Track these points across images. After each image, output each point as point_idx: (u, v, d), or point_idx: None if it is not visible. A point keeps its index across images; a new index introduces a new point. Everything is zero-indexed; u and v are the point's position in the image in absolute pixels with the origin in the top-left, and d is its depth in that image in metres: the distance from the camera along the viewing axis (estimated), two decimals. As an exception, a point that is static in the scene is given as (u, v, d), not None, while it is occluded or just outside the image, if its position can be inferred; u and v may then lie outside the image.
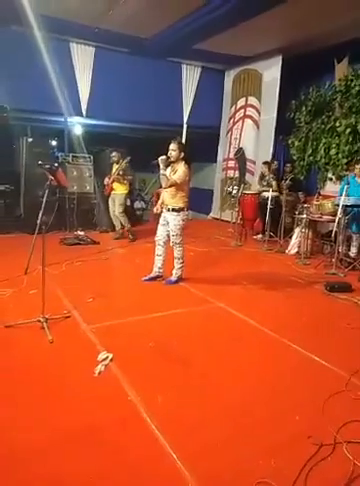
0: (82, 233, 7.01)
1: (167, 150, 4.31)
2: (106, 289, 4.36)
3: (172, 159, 4.29)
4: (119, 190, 6.91)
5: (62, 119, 8.01)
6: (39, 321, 3.23)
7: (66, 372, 2.66)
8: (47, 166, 3.33)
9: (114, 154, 6.92)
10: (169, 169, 4.33)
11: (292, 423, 2.22)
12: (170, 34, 7.12)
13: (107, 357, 2.78)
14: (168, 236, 4.53)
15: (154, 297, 4.24)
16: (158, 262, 4.65)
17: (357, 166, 5.80)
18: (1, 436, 2.01)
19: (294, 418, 2.25)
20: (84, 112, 8.03)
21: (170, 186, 4.30)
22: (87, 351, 2.92)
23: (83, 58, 7.91)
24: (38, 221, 3.39)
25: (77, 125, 8.19)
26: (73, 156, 7.69)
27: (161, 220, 4.56)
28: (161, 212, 4.59)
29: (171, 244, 4.53)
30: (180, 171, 4.30)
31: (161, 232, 4.56)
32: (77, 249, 6.18)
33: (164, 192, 4.50)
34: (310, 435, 2.07)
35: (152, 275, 4.69)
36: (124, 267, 5.46)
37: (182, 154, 4.34)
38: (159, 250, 4.62)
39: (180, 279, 4.65)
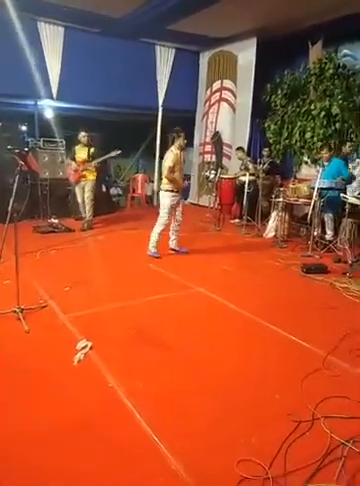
0: (56, 221, 6.84)
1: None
2: (83, 277, 4.27)
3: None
4: (90, 177, 6.57)
5: (32, 102, 7.72)
6: (14, 312, 3.14)
7: (45, 362, 2.61)
8: (17, 151, 3.18)
9: (84, 134, 6.51)
10: (183, 158, 5.15)
11: (272, 402, 2.26)
12: (143, 14, 6.91)
13: (86, 345, 2.74)
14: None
15: (133, 284, 4.20)
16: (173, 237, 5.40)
17: (322, 151, 5.91)
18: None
19: (274, 397, 2.30)
20: (55, 95, 7.75)
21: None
22: (66, 340, 2.86)
23: (52, 38, 7.59)
24: (9, 209, 3.26)
25: (48, 108, 7.90)
26: (44, 141, 7.42)
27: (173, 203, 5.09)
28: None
29: (181, 220, 5.29)
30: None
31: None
32: (52, 237, 6.03)
33: (180, 176, 5.14)
34: (290, 412, 2.12)
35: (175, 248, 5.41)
36: (102, 254, 5.37)
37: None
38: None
39: (153, 255, 5.14)
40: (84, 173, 6.54)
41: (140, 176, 9.41)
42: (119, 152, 6.51)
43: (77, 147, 6.57)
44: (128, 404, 2.18)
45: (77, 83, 7.70)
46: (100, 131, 7.48)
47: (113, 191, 9.64)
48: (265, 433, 2.00)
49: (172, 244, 5.36)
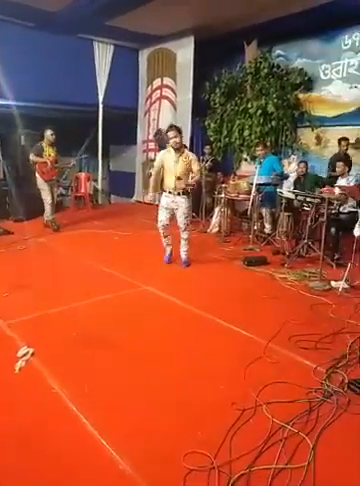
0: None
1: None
2: (24, 281, 4.08)
3: (177, 147, 4.34)
4: (55, 176, 6.56)
5: None
6: None
7: (-18, 373, 2.47)
8: None
9: (51, 132, 6.25)
10: (176, 157, 4.38)
11: (217, 393, 2.33)
12: (79, 8, 6.72)
13: (28, 352, 2.64)
14: (171, 219, 4.66)
15: (77, 286, 4.10)
16: (169, 247, 4.85)
17: (258, 149, 6.18)
18: None
19: (219, 388, 2.37)
20: (-12, 91, 7.30)
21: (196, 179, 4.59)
22: (5, 348, 2.74)
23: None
24: None
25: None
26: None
27: (165, 204, 4.56)
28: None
29: (182, 227, 4.63)
30: (193, 160, 4.50)
31: (166, 216, 4.60)
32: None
33: (170, 177, 4.47)
34: (234, 402, 2.20)
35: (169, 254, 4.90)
36: (43, 257, 5.17)
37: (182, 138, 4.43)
38: (166, 232, 4.73)
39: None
40: (56, 171, 6.44)
41: (83, 175, 9.17)
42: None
43: (44, 145, 6.30)
44: (73, 408, 2.14)
45: (11, 79, 7.28)
46: (39, 129, 7.18)
47: (57, 191, 9.29)
48: (211, 424, 2.06)
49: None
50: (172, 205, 4.55)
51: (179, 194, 4.48)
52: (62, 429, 2.01)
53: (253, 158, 7.42)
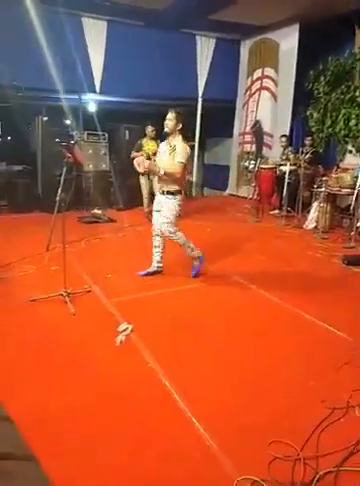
0: (99, 211, 7.10)
1: (184, 125, 4.03)
2: (124, 265, 4.45)
3: (167, 130, 3.82)
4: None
5: (76, 97, 7.99)
6: (61, 295, 3.36)
7: (89, 342, 2.80)
8: (64, 144, 3.38)
9: (152, 129, 6.55)
10: (164, 144, 3.92)
11: (306, 389, 2.30)
12: (183, 5, 6.93)
13: (127, 328, 2.90)
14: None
15: (169, 273, 4.28)
16: (156, 255, 4.09)
17: None
18: (35, 398, 2.16)
19: (308, 384, 2.33)
20: (98, 88, 7.97)
21: (174, 170, 3.73)
22: (108, 323, 3.04)
23: (96, 33, 7.79)
24: (57, 198, 3.47)
25: (91, 102, 8.16)
26: (88, 134, 7.70)
27: (155, 205, 4.03)
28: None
29: (165, 234, 3.90)
30: (180, 148, 3.75)
31: (157, 218, 3.96)
32: (94, 227, 6.29)
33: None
34: (323, 400, 2.15)
35: (150, 270, 4.11)
36: (141, 244, 5.54)
37: (179, 126, 3.82)
38: (156, 241, 4.06)
39: (202, 260, 4.11)
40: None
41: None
42: (193, 144, 6.44)
43: (144, 140, 6.66)
44: (165, 383, 2.30)
45: (119, 76, 7.88)
46: (141, 124, 7.62)
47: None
48: (298, 417, 2.05)
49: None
50: (158, 206, 3.95)
51: (163, 193, 3.86)
52: (154, 399, 2.19)
53: (359, 150, 6.90)
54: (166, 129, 3.83)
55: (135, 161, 4.85)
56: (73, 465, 1.72)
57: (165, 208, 3.83)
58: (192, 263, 4.10)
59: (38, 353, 2.63)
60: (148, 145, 6.64)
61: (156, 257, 4.12)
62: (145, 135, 6.67)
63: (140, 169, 6.55)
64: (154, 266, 4.15)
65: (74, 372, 2.44)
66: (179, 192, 3.86)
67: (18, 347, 2.70)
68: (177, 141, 3.83)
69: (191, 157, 9.78)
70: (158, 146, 6.58)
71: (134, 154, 6.61)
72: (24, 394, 2.17)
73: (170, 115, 3.83)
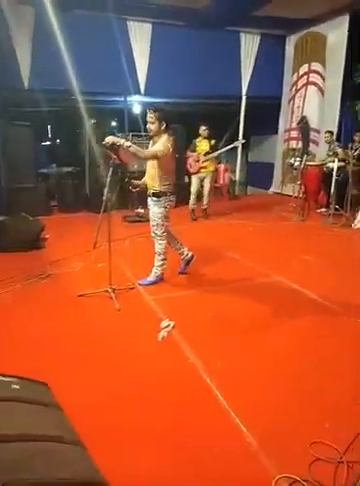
0: (142, 211, 7.23)
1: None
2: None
3: (151, 134, 3.54)
4: (210, 168, 6.75)
5: (122, 99, 8.22)
6: (107, 291, 3.50)
7: (133, 336, 2.90)
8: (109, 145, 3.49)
9: (204, 128, 6.63)
10: (149, 146, 3.68)
11: (347, 390, 2.23)
12: (221, 3, 6.87)
13: (169, 325, 2.97)
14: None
15: (211, 272, 4.29)
16: (179, 249, 4.07)
17: None
18: (81, 387, 2.28)
19: (349, 386, 2.26)
20: (143, 90, 8.15)
21: (150, 158, 3.52)
22: (151, 319, 3.13)
23: (141, 36, 7.97)
24: (103, 198, 3.62)
25: (136, 104, 8.35)
26: (133, 135, 7.89)
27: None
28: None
29: (152, 235, 3.85)
30: (159, 143, 3.48)
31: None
32: (138, 226, 6.42)
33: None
34: (369, 404, 2.08)
35: (182, 264, 4.11)
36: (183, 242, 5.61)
37: (163, 125, 3.50)
38: (168, 238, 3.96)
39: (159, 279, 3.88)
40: (205, 164, 6.70)
41: (222, 166, 9.43)
42: (243, 141, 6.64)
43: (197, 140, 6.75)
44: (207, 379, 2.34)
45: (163, 77, 8.00)
46: (185, 123, 7.68)
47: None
48: (338, 419, 2.00)
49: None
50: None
51: (151, 194, 3.69)
52: (194, 395, 2.23)
53: None
54: (150, 133, 3.55)
55: (188, 162, 4.91)
56: (113, 454, 1.80)
57: (151, 212, 3.73)
58: (152, 272, 3.89)
59: (85, 345, 2.77)
60: (201, 145, 6.70)
61: (179, 249, 4.04)
62: (199, 135, 6.73)
63: (191, 169, 6.67)
64: (184, 259, 4.08)
65: (118, 364, 2.54)
66: (165, 194, 3.62)
67: (67, 339, 2.85)
68: (160, 139, 3.51)
69: (234, 156, 9.76)
70: (211, 145, 6.64)
71: (189, 154, 6.72)
72: (71, 383, 2.29)
73: (150, 116, 3.48)
